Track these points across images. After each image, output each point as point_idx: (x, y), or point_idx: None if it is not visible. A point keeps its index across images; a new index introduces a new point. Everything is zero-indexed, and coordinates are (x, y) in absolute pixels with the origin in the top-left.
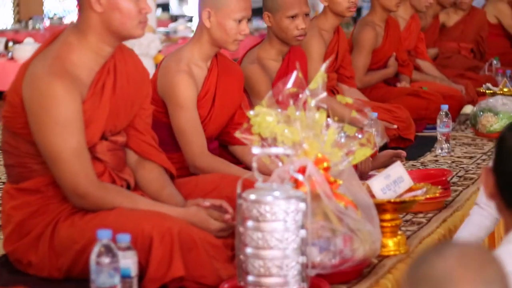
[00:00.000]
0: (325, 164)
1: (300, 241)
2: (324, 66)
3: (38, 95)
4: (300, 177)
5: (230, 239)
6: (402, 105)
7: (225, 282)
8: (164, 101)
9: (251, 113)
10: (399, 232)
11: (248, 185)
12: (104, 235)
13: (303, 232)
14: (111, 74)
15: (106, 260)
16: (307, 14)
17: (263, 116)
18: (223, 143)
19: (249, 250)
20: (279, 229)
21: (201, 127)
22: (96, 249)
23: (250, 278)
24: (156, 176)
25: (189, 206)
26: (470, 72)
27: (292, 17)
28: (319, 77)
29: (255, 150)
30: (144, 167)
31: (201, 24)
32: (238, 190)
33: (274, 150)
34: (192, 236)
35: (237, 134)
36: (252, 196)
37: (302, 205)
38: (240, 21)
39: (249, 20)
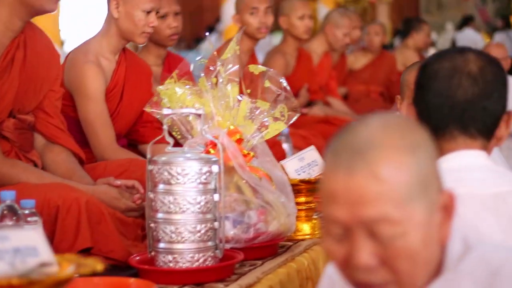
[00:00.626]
0: (238, 136)
1: (214, 206)
2: (236, 36)
3: None
4: (214, 139)
5: (140, 219)
6: (314, 132)
7: (135, 255)
8: (72, 94)
9: (160, 87)
10: (315, 216)
11: None
12: (7, 196)
13: (216, 196)
14: (21, 49)
15: (9, 223)
16: (177, 13)
17: (173, 89)
18: (133, 142)
19: (160, 215)
20: (191, 192)
21: (110, 120)
22: None
23: (162, 245)
24: (64, 159)
25: (99, 185)
26: (380, 110)
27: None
28: (231, 49)
29: (166, 111)
30: (52, 151)
31: (109, 15)
32: (148, 155)
33: (185, 110)
34: (100, 209)
35: (147, 109)
36: (163, 158)
37: (215, 168)
38: (148, 12)
39: (157, 13)
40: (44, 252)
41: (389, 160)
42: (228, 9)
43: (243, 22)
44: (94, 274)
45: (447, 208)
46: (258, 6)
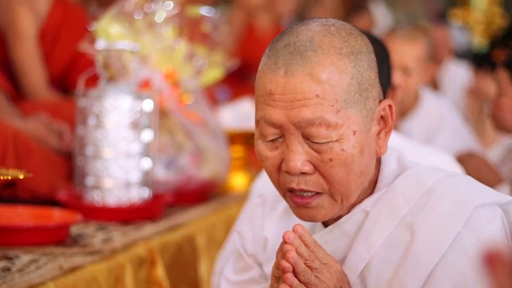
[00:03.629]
0: (174, 79)
1: (145, 145)
2: None
3: None
4: (148, 79)
5: (69, 160)
6: None
7: (62, 191)
8: (3, 34)
9: (95, 24)
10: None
11: None
12: None
13: (149, 134)
14: None
15: None
16: None
17: (108, 25)
18: (67, 90)
19: (89, 150)
20: (123, 126)
21: (41, 62)
22: None
23: (90, 181)
24: None
25: (29, 121)
26: None
27: None
28: None
29: (100, 45)
30: None
31: None
32: (80, 88)
33: (119, 45)
34: (28, 143)
35: (81, 46)
36: (95, 92)
37: (148, 104)
38: None
39: None
40: None
41: (328, 62)
42: None
43: None
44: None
45: (385, 118)
46: None
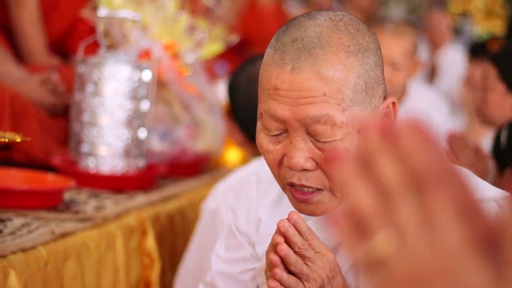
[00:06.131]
0: (174, 51)
1: (141, 115)
2: None
3: None
4: (148, 48)
5: (64, 122)
6: None
7: (57, 156)
8: None
9: None
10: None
11: None
12: None
13: (146, 104)
14: None
15: None
16: None
17: None
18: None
19: (86, 116)
20: (120, 94)
21: (41, 27)
22: None
23: (85, 147)
24: None
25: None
26: None
27: None
28: None
29: (101, 13)
30: None
31: None
32: (80, 54)
33: (121, 14)
34: (26, 106)
35: (84, 13)
36: (95, 60)
37: (147, 74)
38: None
39: None
40: None
41: (336, 60)
42: None
43: None
44: (12, 165)
45: (388, 115)
46: None
